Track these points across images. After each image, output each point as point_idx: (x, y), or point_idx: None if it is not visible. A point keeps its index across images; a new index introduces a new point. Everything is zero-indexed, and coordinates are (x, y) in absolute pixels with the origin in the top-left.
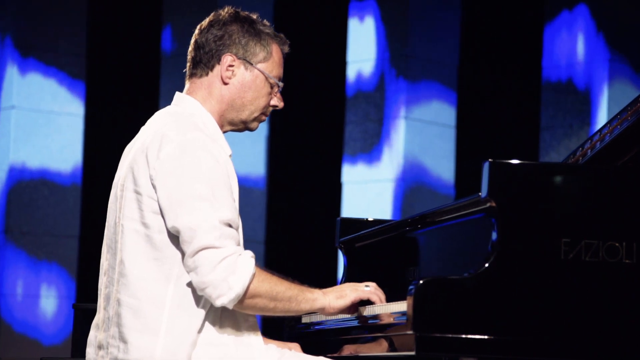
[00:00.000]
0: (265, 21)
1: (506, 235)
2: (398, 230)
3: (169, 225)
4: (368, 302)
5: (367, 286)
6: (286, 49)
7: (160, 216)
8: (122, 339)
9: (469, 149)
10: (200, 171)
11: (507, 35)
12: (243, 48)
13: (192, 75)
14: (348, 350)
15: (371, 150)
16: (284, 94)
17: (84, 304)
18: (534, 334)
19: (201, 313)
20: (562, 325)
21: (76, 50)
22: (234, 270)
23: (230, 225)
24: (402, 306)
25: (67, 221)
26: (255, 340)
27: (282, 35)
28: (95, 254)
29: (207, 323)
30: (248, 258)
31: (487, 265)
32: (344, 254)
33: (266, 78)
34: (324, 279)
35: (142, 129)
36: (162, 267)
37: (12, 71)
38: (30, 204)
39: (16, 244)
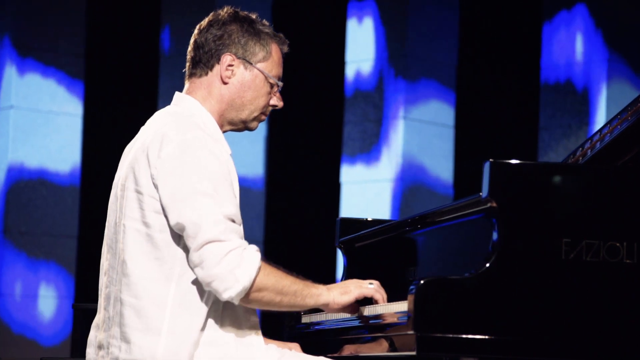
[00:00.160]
0: (264, 21)
1: (507, 236)
2: (398, 231)
3: (173, 222)
4: (368, 302)
5: (370, 284)
6: (285, 48)
7: (161, 215)
8: (125, 339)
9: (467, 149)
10: (201, 169)
11: (505, 35)
12: (242, 48)
13: (191, 75)
14: (348, 350)
15: (370, 150)
16: (283, 93)
17: (83, 304)
18: (535, 334)
19: (203, 312)
20: (562, 325)
21: (75, 50)
22: (240, 263)
23: (233, 221)
24: (403, 306)
25: (66, 221)
26: (256, 340)
27: (281, 34)
28: (94, 254)
29: (208, 323)
30: (254, 251)
31: (487, 265)
32: (344, 254)
33: (266, 77)
34: (323, 279)
35: (142, 129)
36: (164, 267)
37: (10, 71)
38: (28, 204)
39: (15, 244)
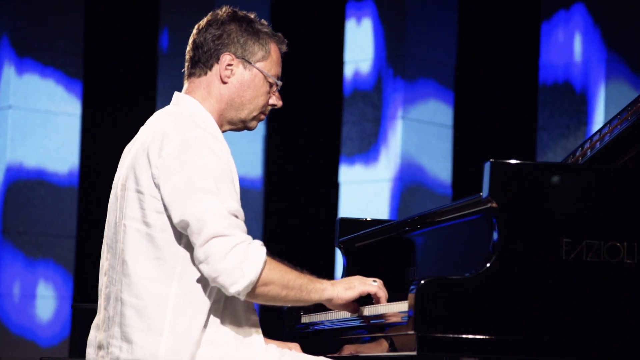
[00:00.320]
0: (263, 20)
1: (507, 236)
2: (398, 231)
3: (176, 219)
4: (368, 302)
5: (374, 281)
6: (284, 48)
7: (162, 215)
8: (126, 339)
9: (466, 149)
10: (203, 167)
11: (504, 35)
12: (242, 47)
13: (190, 74)
14: (348, 350)
15: (368, 150)
16: (281, 93)
17: (82, 304)
18: (535, 334)
19: (204, 311)
20: (563, 325)
21: (73, 50)
22: (246, 257)
23: (236, 216)
24: (404, 306)
25: (65, 221)
26: (256, 340)
27: (279, 34)
28: (93, 254)
29: (208, 322)
30: (259, 246)
31: (488, 265)
32: (344, 254)
33: (265, 77)
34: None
35: (142, 129)
36: (165, 266)
37: (9, 71)
38: (27, 203)
39: (13, 244)
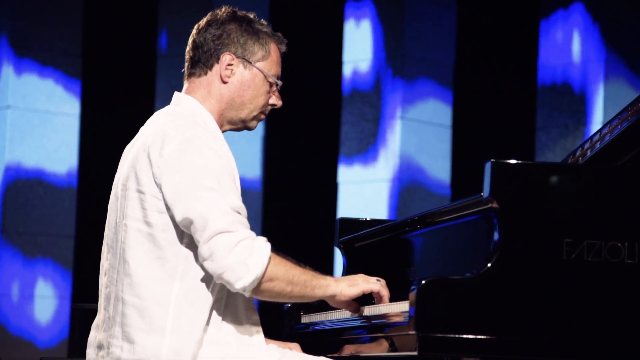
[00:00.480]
0: (262, 20)
1: (508, 236)
2: (398, 231)
3: (179, 218)
4: (368, 302)
5: (378, 280)
6: (284, 47)
7: (164, 215)
8: (128, 339)
9: (465, 149)
10: (204, 165)
11: (502, 35)
12: (242, 47)
13: (190, 74)
14: (348, 350)
15: (367, 150)
16: (280, 93)
17: (82, 304)
18: (536, 334)
19: (206, 311)
20: (564, 325)
21: (72, 50)
22: (251, 252)
23: (239, 213)
24: (405, 306)
25: (63, 221)
26: (257, 340)
27: (279, 34)
28: (92, 254)
29: (210, 322)
30: (263, 242)
31: (489, 265)
32: (344, 254)
33: (265, 77)
34: None
35: (142, 129)
36: (166, 266)
37: (7, 71)
38: (26, 203)
39: (12, 243)
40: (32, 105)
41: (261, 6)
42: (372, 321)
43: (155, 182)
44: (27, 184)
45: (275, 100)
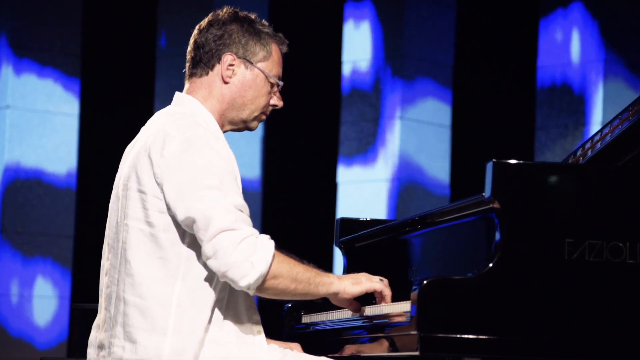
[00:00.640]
0: (263, 21)
1: (509, 236)
2: (399, 231)
3: (181, 217)
4: (368, 302)
5: (381, 279)
6: (285, 48)
7: (165, 215)
8: (129, 339)
9: (464, 149)
10: (205, 164)
11: (502, 35)
12: (243, 47)
13: (191, 75)
14: (349, 350)
15: (366, 150)
16: (280, 93)
17: (82, 304)
18: (538, 334)
19: (208, 310)
20: (566, 325)
21: (71, 50)
22: (254, 250)
23: (242, 211)
24: (407, 306)
25: (63, 221)
26: (258, 339)
27: (280, 34)
28: (91, 254)
29: (211, 321)
30: (267, 239)
31: (490, 265)
32: (344, 254)
33: (266, 77)
34: None
35: (143, 129)
36: (168, 266)
37: (7, 71)
38: (25, 203)
39: (11, 243)
40: (32, 105)
41: (261, 6)
42: (374, 321)
43: (157, 182)
44: (26, 184)
45: (276, 101)
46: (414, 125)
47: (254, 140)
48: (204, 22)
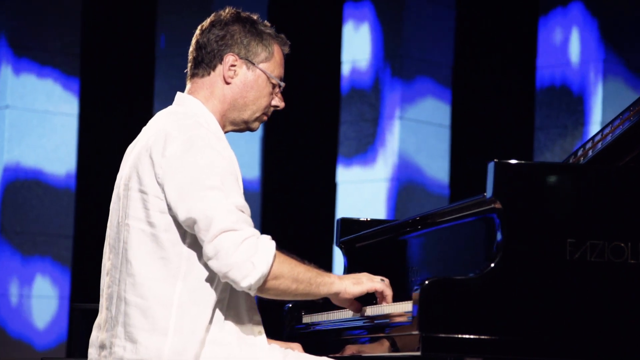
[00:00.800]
0: (266, 22)
1: (511, 236)
2: (399, 231)
3: (182, 217)
4: (369, 302)
5: (382, 279)
6: (287, 49)
7: (166, 215)
8: (130, 339)
9: (463, 149)
10: (207, 165)
11: (501, 35)
12: (245, 48)
13: (193, 75)
14: (350, 350)
15: (366, 150)
16: (281, 94)
17: (81, 304)
18: (540, 335)
19: (208, 311)
20: (568, 325)
21: (71, 50)
22: (256, 250)
23: (243, 212)
24: (408, 306)
25: (62, 221)
26: (259, 340)
27: (282, 35)
28: (90, 254)
29: (212, 322)
30: (268, 240)
31: (492, 265)
32: (345, 254)
33: (268, 78)
34: None
35: (144, 129)
36: (169, 266)
37: (6, 70)
38: (24, 203)
39: (10, 243)
40: (31, 105)
41: (260, 6)
42: (375, 321)
43: (158, 182)
44: (25, 184)
45: (277, 102)
46: (414, 125)
47: (253, 140)
48: (206, 23)
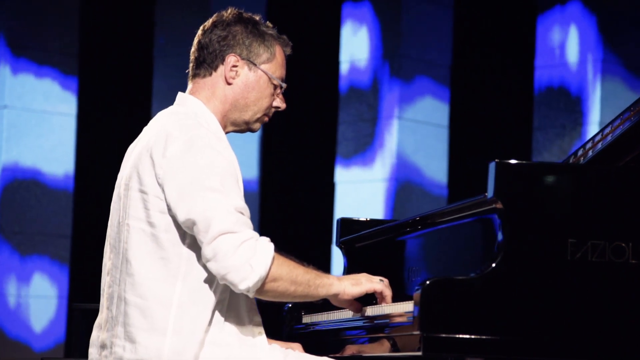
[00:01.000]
0: (268, 22)
1: (512, 236)
2: (399, 231)
3: (182, 218)
4: (369, 302)
5: (381, 280)
6: (288, 50)
7: (166, 215)
8: (130, 339)
9: (462, 149)
10: (207, 165)
11: (499, 34)
12: (247, 49)
13: (195, 75)
14: (350, 350)
15: (364, 150)
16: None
17: (80, 303)
18: (541, 335)
19: (208, 311)
20: (569, 325)
21: (69, 49)
22: (254, 253)
23: (242, 214)
24: (409, 306)
25: (60, 221)
26: (259, 340)
27: (284, 36)
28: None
29: (212, 322)
30: (266, 242)
31: (493, 265)
32: (344, 254)
33: (269, 79)
34: None
35: (145, 129)
36: (169, 266)
37: (4, 70)
38: (22, 203)
39: (9, 243)
40: (29, 105)
41: (259, 5)
42: (375, 321)
43: (158, 183)
44: (24, 184)
45: (279, 103)
46: (412, 125)
47: (251, 140)
48: (208, 23)
